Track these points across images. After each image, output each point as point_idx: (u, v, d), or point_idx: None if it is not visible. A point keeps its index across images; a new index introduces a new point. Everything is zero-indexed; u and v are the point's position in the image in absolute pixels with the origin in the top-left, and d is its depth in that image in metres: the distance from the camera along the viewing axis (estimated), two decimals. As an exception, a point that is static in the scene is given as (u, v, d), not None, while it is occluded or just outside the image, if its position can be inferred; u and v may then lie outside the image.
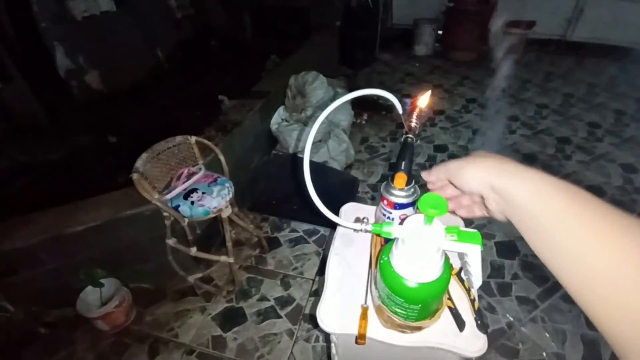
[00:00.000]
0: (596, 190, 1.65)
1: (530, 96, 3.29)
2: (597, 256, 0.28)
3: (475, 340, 0.61)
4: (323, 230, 1.98)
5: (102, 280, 1.46)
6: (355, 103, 2.83)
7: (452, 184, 0.45)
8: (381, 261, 0.53)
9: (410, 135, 0.63)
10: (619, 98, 3.20)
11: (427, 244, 0.45)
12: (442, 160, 0.62)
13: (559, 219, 0.31)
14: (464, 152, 2.64)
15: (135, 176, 1.25)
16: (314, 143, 1.89)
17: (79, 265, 1.46)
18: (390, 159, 2.55)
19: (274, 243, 1.94)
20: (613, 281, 0.27)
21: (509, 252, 1.83)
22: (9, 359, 1.49)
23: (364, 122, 2.95)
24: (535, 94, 3.32)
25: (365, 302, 0.66)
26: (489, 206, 0.40)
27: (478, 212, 0.48)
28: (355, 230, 0.49)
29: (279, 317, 1.60)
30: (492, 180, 0.37)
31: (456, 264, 0.70)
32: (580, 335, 1.48)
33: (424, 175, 0.51)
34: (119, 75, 3.06)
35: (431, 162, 2.53)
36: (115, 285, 1.54)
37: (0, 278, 1.44)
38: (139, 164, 1.31)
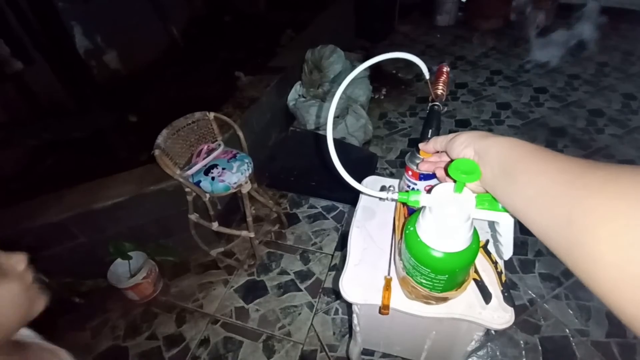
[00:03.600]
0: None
1: (561, 66, 3.10)
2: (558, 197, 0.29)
3: (502, 313, 0.60)
4: (341, 207, 1.97)
5: (130, 253, 1.52)
6: (374, 77, 2.74)
7: (447, 154, 0.47)
8: (407, 231, 0.52)
9: (436, 103, 0.61)
10: (658, 66, 2.96)
11: (456, 213, 0.44)
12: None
13: (523, 166, 0.34)
14: (486, 126, 2.53)
15: (157, 152, 1.27)
16: (332, 118, 1.86)
17: (108, 239, 1.53)
18: (409, 134, 2.49)
19: (293, 219, 1.95)
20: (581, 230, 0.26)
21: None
22: (47, 326, 1.59)
23: (382, 97, 2.86)
24: (566, 64, 3.12)
25: (389, 274, 0.66)
26: None
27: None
28: (381, 199, 0.48)
29: (299, 290, 1.64)
30: (476, 144, 0.41)
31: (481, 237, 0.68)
32: (606, 312, 1.45)
33: (421, 145, 0.53)
34: (136, 54, 3.06)
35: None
36: (143, 258, 1.60)
37: (35, 251, 1.52)
38: (160, 140, 1.32)
